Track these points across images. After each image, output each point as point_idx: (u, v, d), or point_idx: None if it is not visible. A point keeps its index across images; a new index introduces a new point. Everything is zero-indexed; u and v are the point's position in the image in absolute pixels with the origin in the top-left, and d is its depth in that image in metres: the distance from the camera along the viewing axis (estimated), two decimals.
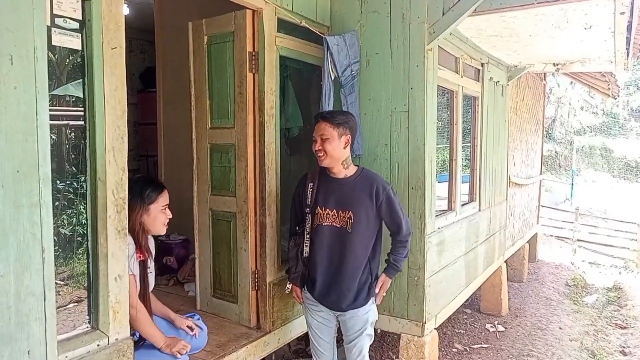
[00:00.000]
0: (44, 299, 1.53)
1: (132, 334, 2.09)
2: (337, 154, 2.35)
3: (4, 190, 1.42)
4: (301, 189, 2.52)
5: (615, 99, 7.41)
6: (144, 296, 2.16)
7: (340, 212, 2.37)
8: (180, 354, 2.16)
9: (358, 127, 2.61)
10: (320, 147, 2.34)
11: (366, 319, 2.44)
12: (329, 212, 2.40)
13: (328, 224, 2.40)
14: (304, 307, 2.60)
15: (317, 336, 2.54)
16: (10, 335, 1.45)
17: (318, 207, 2.42)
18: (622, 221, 11.57)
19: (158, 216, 2.18)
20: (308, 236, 2.47)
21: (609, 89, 6.49)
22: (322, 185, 2.45)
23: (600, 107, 23.42)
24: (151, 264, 2.26)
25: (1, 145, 1.41)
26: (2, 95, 1.41)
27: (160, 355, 2.14)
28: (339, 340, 2.63)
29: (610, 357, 4.28)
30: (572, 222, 10.87)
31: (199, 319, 2.48)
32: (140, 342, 2.14)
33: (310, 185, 2.47)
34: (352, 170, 2.43)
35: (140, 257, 2.13)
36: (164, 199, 2.21)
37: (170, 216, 2.25)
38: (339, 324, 2.55)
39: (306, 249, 2.47)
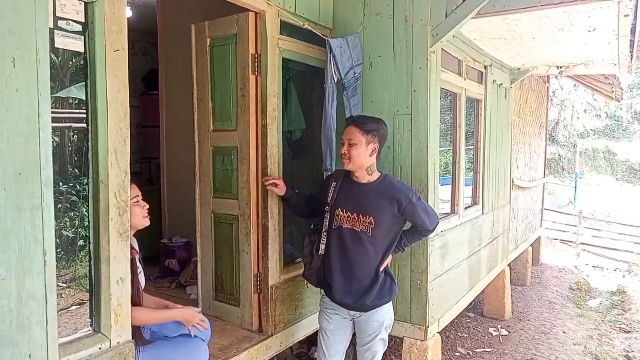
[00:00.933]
0: (46, 302, 1.52)
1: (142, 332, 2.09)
2: (361, 160, 2.36)
3: (6, 192, 1.41)
4: (325, 186, 2.55)
5: (619, 101, 7.40)
6: (135, 295, 2.13)
7: (360, 216, 2.38)
8: (201, 326, 2.16)
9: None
10: (346, 151, 2.36)
11: (382, 321, 2.44)
12: (350, 215, 2.40)
13: (348, 226, 2.40)
14: (319, 313, 2.59)
15: (329, 344, 2.50)
16: (12, 339, 1.44)
17: (338, 209, 2.43)
18: (626, 224, 11.54)
19: (133, 211, 2.08)
20: (325, 234, 2.48)
21: (613, 91, 6.47)
22: (344, 187, 2.46)
23: (604, 110, 23.34)
24: (138, 262, 2.23)
25: (3, 148, 1.41)
26: (4, 98, 1.40)
27: (174, 350, 2.14)
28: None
29: None
30: (576, 226, 10.83)
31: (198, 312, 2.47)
32: (152, 340, 2.15)
33: (334, 184, 2.49)
34: (375, 176, 2.44)
35: None
36: (133, 191, 2.10)
37: (147, 206, 2.17)
38: (353, 331, 2.54)
39: (322, 247, 2.49)
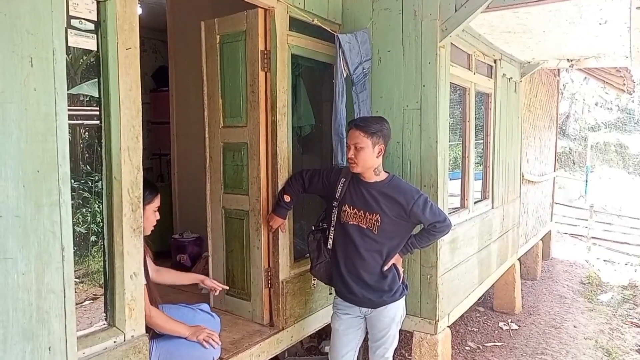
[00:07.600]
0: (64, 296, 1.55)
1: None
2: (368, 163, 2.38)
3: (25, 190, 1.45)
4: (334, 178, 2.55)
5: (631, 94, 7.32)
6: (153, 299, 2.16)
7: (367, 213, 2.39)
8: (207, 342, 2.18)
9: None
10: (352, 156, 2.37)
11: (392, 317, 2.47)
12: (357, 212, 2.42)
13: (355, 223, 2.42)
14: (332, 314, 2.62)
15: (340, 345, 2.52)
16: (32, 332, 1.48)
17: (346, 205, 2.45)
18: (638, 218, 11.40)
19: (150, 217, 2.17)
20: (333, 229, 2.50)
21: (624, 84, 6.40)
22: (353, 185, 2.48)
23: (615, 103, 23.03)
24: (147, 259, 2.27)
25: (22, 146, 1.43)
26: (23, 97, 1.43)
27: (186, 343, 2.18)
28: None
29: (625, 356, 4.23)
30: (587, 220, 10.73)
31: (207, 307, 2.51)
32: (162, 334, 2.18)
33: (343, 180, 2.51)
34: (382, 176, 2.45)
35: None
36: (157, 201, 2.21)
37: (159, 218, 2.24)
38: (366, 331, 2.57)
39: (330, 241, 2.52)
